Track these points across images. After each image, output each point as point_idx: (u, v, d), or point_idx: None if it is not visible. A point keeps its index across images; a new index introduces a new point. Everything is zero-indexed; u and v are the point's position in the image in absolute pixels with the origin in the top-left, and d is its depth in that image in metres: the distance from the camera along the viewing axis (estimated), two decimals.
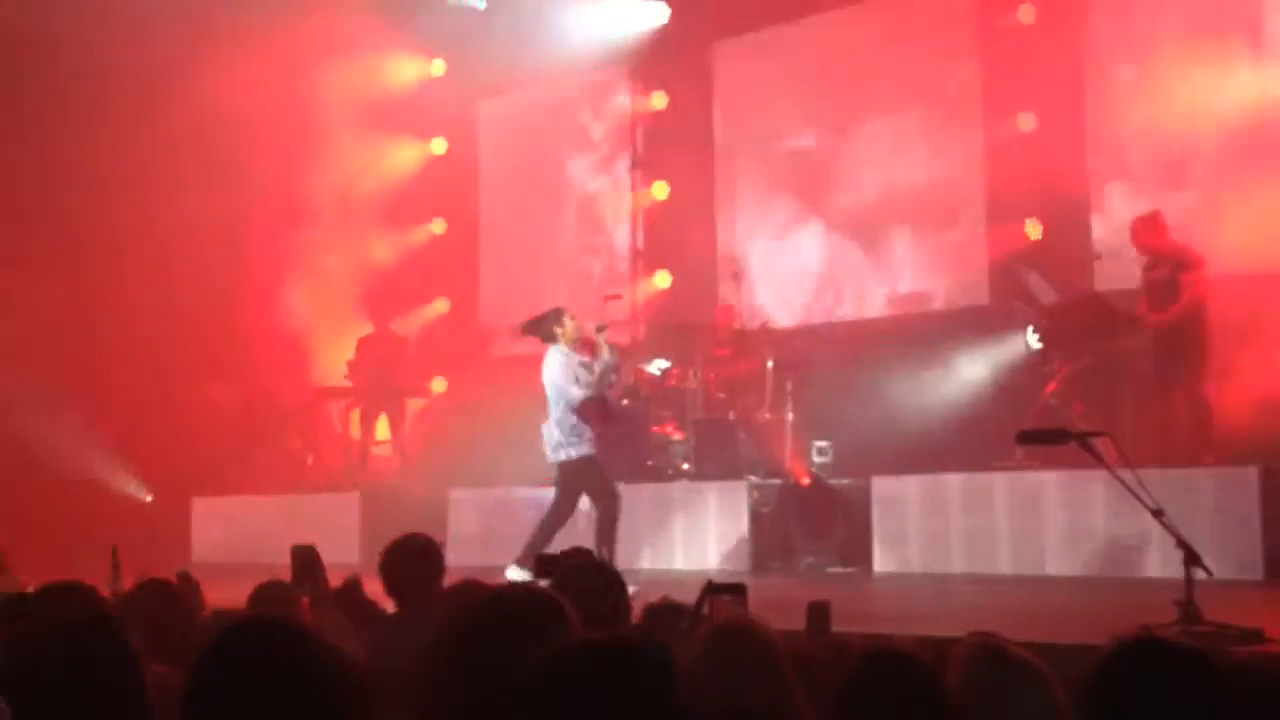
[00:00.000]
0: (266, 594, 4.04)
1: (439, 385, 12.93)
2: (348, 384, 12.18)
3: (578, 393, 7.73)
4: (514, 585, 2.43)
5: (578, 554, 3.86)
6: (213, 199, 12.05)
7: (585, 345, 7.92)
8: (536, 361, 7.97)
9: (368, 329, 12.33)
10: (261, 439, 12.70)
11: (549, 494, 7.97)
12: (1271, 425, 7.86)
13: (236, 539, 11.22)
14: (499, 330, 12.72)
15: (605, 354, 7.84)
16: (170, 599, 3.57)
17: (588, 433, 7.80)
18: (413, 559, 4.03)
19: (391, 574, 4.03)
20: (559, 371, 7.79)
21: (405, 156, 13.55)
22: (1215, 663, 2.03)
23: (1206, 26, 9.08)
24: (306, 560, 4.24)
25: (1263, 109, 8.65)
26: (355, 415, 12.21)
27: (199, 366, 12.72)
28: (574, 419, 7.76)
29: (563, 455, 7.82)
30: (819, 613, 3.72)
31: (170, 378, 12.51)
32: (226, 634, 1.98)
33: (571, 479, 7.87)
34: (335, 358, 12.44)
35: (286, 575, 4.27)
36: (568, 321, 7.88)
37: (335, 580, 4.34)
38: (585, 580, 3.14)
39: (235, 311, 12.81)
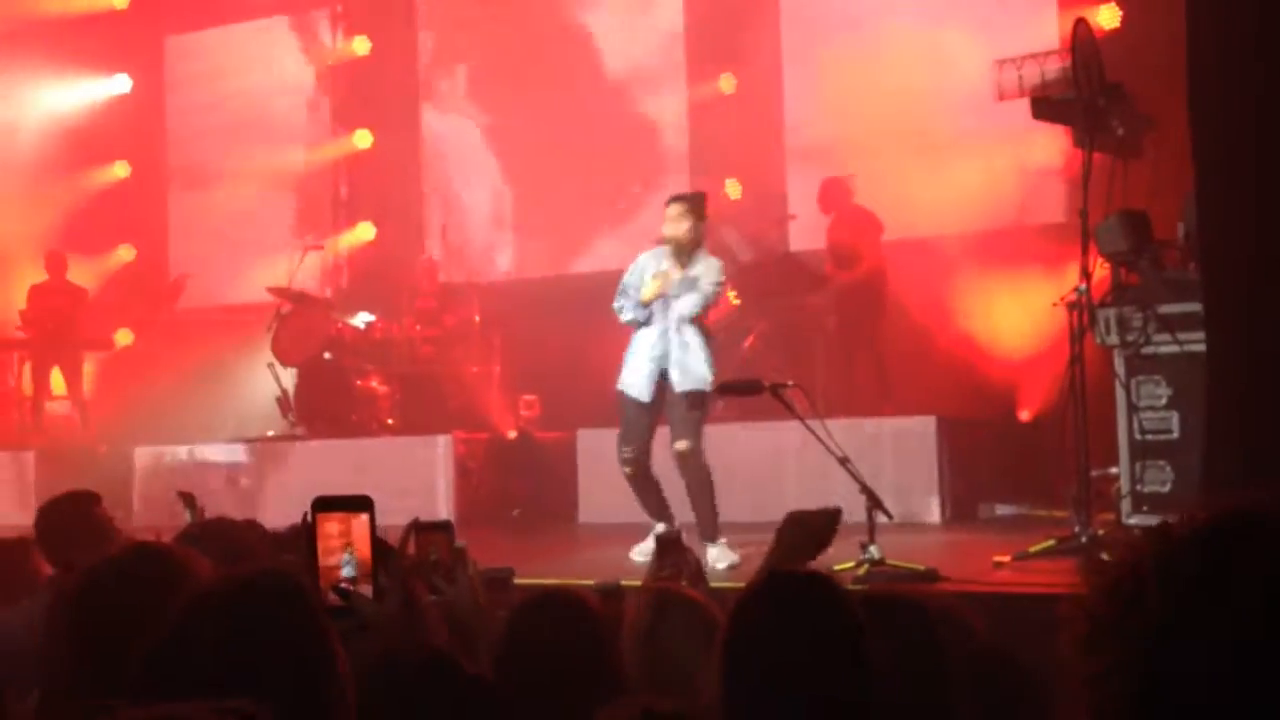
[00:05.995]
0: None
1: (124, 338, 12.16)
2: (20, 335, 11.32)
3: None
4: (137, 545, 2.24)
5: (221, 520, 3.56)
6: None
7: None
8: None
9: (42, 277, 11.46)
10: None
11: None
12: (944, 378, 8.43)
13: None
14: (190, 280, 12.10)
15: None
16: None
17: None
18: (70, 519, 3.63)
19: (49, 538, 3.59)
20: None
21: (84, 93, 12.61)
22: (842, 589, 2.07)
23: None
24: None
25: (944, 89, 9.15)
26: (28, 369, 11.36)
27: None
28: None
29: None
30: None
31: None
32: None
33: None
34: (7, 308, 11.51)
35: None
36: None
37: None
38: (227, 539, 2.99)
39: None
